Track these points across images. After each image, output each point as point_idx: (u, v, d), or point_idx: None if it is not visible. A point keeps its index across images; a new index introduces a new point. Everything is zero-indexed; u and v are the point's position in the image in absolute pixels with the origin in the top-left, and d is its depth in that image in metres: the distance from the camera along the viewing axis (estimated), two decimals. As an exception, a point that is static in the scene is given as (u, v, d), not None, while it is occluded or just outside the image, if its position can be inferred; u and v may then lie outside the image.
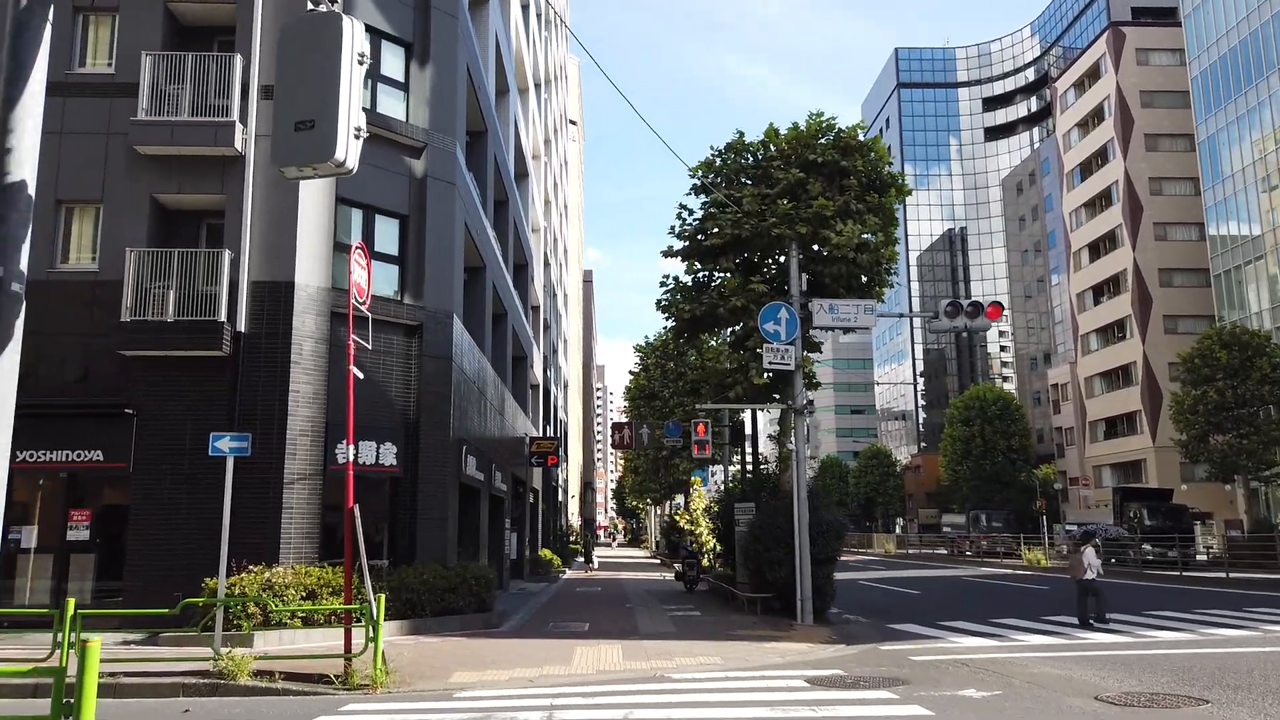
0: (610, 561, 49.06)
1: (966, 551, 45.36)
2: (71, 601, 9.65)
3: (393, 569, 14.41)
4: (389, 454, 15.18)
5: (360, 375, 11.06)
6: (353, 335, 10.57)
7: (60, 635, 9.47)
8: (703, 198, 19.81)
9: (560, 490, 54.94)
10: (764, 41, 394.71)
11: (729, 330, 20.01)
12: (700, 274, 19.76)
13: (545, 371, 39.31)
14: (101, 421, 13.68)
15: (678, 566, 35.52)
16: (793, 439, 16.24)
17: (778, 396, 18.08)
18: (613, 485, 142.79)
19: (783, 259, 18.54)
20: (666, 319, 20.43)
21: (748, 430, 23.79)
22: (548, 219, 40.48)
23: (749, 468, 23.09)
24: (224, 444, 10.97)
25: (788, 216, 17.31)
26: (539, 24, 35.53)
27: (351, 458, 10.38)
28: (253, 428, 13.78)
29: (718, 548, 30.59)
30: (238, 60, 14.44)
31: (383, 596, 9.74)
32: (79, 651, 5.12)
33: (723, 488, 29.54)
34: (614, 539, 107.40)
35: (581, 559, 45.50)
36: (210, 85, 14.35)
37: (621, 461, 67.64)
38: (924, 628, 15.05)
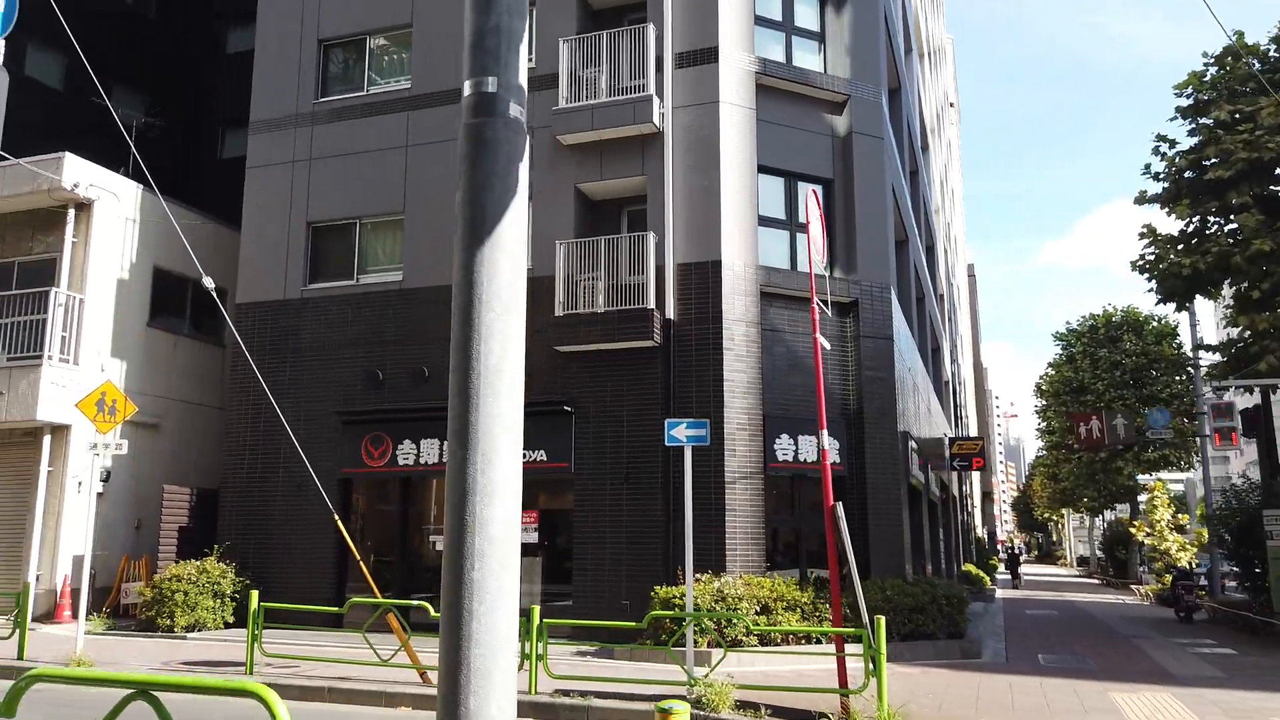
0: (1032, 579, 43.47)
1: None
2: (536, 610, 8.76)
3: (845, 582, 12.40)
4: (832, 449, 13.22)
5: (827, 345, 9.19)
6: (815, 299, 8.72)
7: (528, 646, 8.61)
8: (1189, 124, 15.64)
9: (966, 499, 50.21)
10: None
11: (1242, 285, 15.49)
12: (1195, 218, 15.56)
13: (950, 366, 35.62)
14: (543, 420, 13.28)
15: (1139, 589, 29.96)
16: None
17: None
18: (1007, 496, 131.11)
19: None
20: (1148, 279, 16.36)
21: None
22: (939, 202, 36.86)
23: None
24: (680, 432, 9.66)
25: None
26: (926, -15, 32.36)
27: (826, 445, 8.49)
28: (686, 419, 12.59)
29: (1193, 564, 25.06)
30: (650, 31, 13.51)
31: (882, 619, 7.69)
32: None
33: (1203, 492, 24.08)
34: (1021, 554, 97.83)
35: (1004, 575, 40.80)
36: (624, 63, 13.58)
37: (1038, 470, 60.49)
38: None
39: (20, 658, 10.10)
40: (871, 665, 7.61)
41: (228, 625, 13.45)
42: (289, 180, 15.52)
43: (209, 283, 10.70)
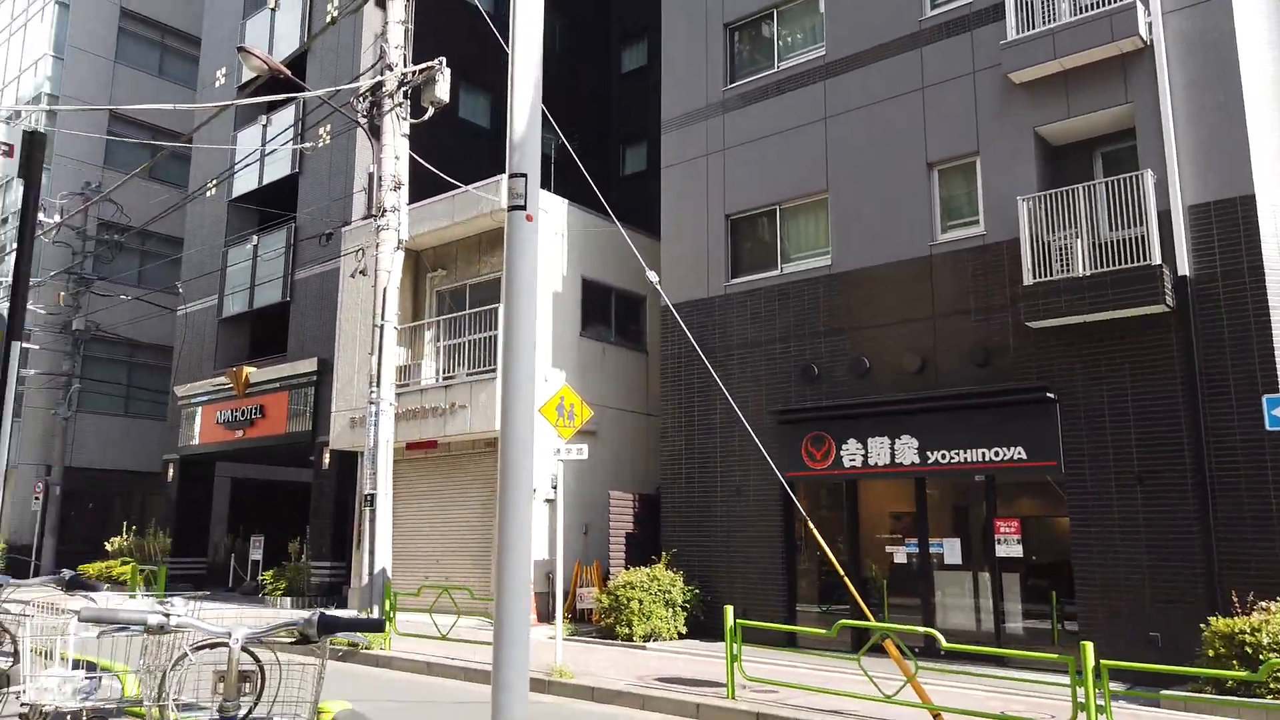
0: None
1: None
2: (1088, 649, 6.84)
3: None
4: None
5: None
6: None
7: (1082, 691, 6.74)
8: None
9: None
10: None
11: None
12: None
13: None
14: (1016, 411, 11.23)
15: None
16: None
17: None
18: None
19: None
20: None
21: None
22: None
23: None
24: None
25: None
26: None
27: None
28: (1221, 403, 9.85)
29: None
30: (1124, -75, 10.92)
31: None
32: None
33: None
34: None
35: None
36: (1090, -28, 11.14)
37: None
38: None
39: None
40: None
41: (680, 636, 13.05)
42: (704, 175, 15.01)
43: (653, 276, 10.22)
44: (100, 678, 3.61)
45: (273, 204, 22.61)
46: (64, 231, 26.44)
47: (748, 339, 14.12)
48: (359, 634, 3.13)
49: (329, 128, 19.89)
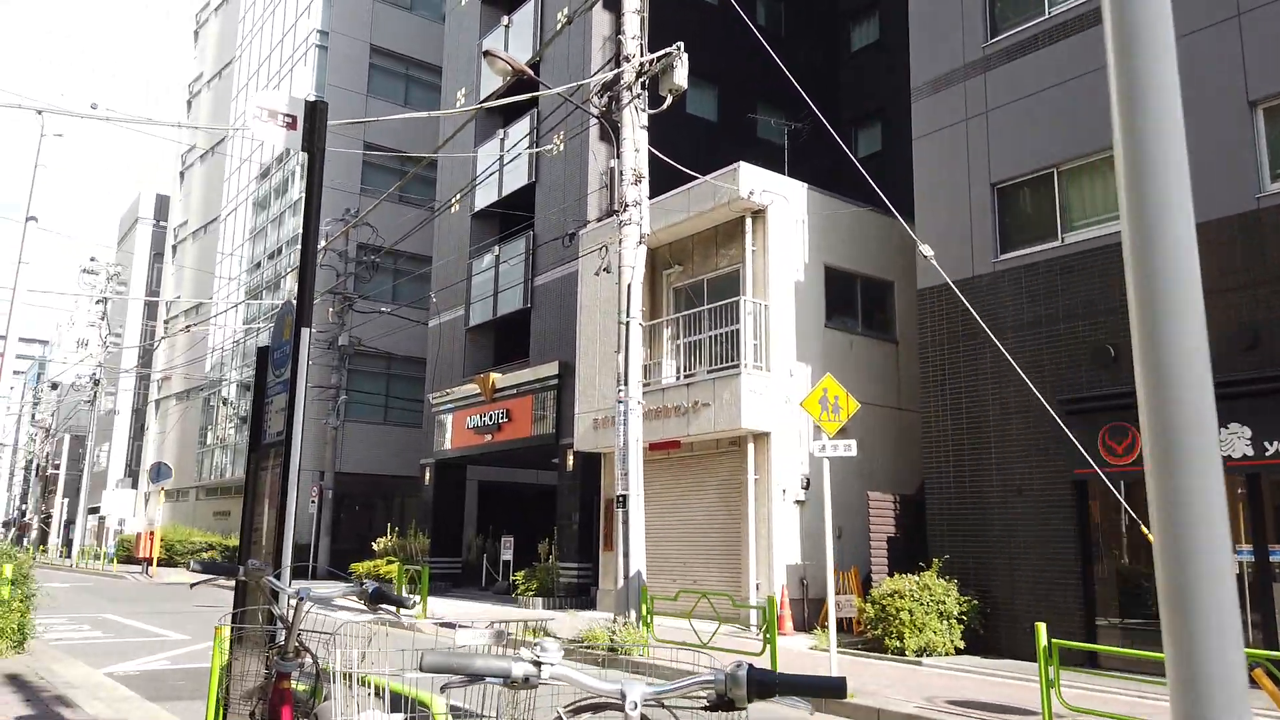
0: None
1: None
2: None
3: None
4: None
5: None
6: None
7: None
8: None
9: None
10: None
11: None
12: None
13: None
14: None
15: None
16: None
17: None
18: None
19: None
20: None
21: None
22: None
23: None
24: None
25: None
26: None
27: None
28: None
29: None
30: None
31: None
32: None
33: None
34: None
35: None
36: None
37: None
38: None
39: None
40: None
41: (958, 651, 11.77)
42: (963, 142, 13.64)
43: (927, 250, 9.15)
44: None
45: (511, 215, 23.33)
46: (328, 255, 28.74)
47: (1023, 319, 12.61)
48: (801, 698, 1.78)
49: (562, 135, 20.16)
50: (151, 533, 30.25)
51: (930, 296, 13.82)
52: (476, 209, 24.23)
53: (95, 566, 34.87)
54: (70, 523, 43.02)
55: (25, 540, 60.58)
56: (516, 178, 22.62)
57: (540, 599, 18.04)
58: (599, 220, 18.86)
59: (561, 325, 20.11)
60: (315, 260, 3.73)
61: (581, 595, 18.22)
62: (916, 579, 12.19)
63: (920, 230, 14.24)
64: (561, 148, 20.64)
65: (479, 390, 22.04)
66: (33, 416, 75.46)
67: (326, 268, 29.29)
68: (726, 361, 15.15)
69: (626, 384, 12.14)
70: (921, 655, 11.54)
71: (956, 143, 13.68)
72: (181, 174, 50.53)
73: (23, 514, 74.24)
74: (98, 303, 39.78)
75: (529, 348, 21.53)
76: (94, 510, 46.09)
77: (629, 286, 12.30)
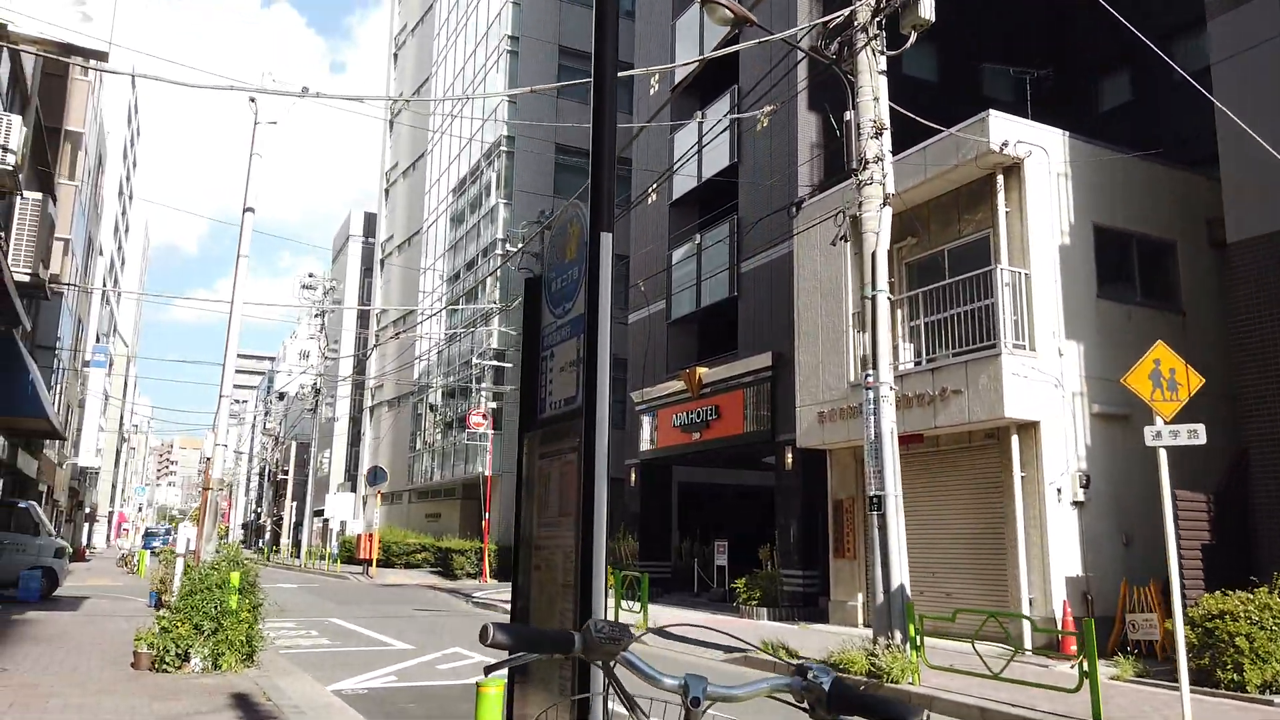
0: None
1: None
2: None
3: None
4: None
5: None
6: None
7: None
8: None
9: None
10: None
11: None
12: None
13: None
14: None
15: None
16: None
17: None
18: None
19: None
20: None
21: None
22: None
23: None
24: None
25: None
26: None
27: None
28: None
29: None
30: None
31: None
32: None
33: None
34: None
35: None
36: None
37: None
38: None
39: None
40: None
41: (1324, 689, 9.33)
42: (1284, 59, 11.08)
43: None
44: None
45: (710, 200, 22.07)
46: (524, 258, 28.60)
47: (1385, 273, 9.98)
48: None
49: (767, 109, 18.68)
50: (371, 535, 31.24)
51: (1244, 252, 11.32)
52: (674, 197, 23.15)
53: (320, 567, 36.60)
54: (299, 524, 45.78)
55: (260, 542, 65.49)
56: (717, 159, 21.34)
57: (765, 609, 16.60)
58: (816, 191, 17.23)
59: (773, 312, 18.60)
60: (613, 135, 2.51)
61: (809, 606, 16.63)
62: (1250, 596, 9.84)
63: (1229, 176, 11.76)
64: (765, 124, 19.16)
65: (684, 386, 20.90)
66: (264, 426, 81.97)
67: (524, 270, 29.19)
68: (977, 342, 13.16)
69: (875, 367, 10.50)
70: (1266, 690, 9.23)
71: (1277, 60, 11.13)
72: (386, 191, 52.94)
73: (258, 516, 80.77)
74: (316, 316, 41.97)
75: (736, 339, 20.16)
76: (318, 513, 48.88)
77: (873, 255, 10.65)
